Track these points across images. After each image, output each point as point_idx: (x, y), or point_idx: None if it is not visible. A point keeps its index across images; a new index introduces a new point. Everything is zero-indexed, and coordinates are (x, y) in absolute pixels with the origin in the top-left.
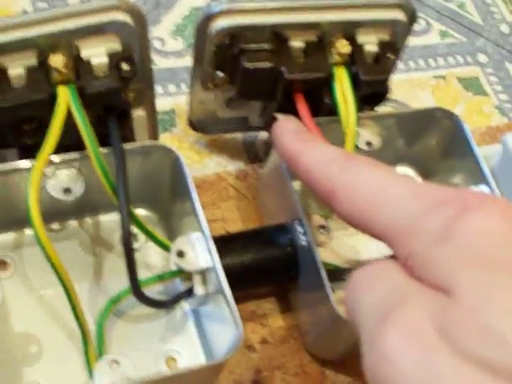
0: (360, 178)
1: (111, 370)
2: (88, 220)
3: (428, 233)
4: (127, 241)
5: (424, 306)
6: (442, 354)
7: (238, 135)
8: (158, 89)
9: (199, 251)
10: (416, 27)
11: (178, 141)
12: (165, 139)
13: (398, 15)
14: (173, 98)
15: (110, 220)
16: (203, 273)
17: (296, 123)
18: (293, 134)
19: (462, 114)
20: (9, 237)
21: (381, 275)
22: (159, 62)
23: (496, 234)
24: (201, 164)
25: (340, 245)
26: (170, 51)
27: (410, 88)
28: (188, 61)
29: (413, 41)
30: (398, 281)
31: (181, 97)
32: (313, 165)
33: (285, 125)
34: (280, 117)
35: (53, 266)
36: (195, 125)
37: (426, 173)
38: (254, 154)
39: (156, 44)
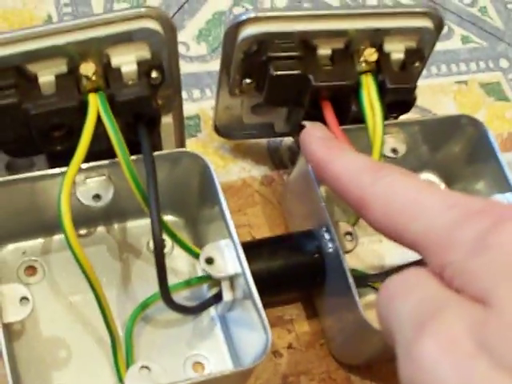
0: (393, 188)
1: (142, 377)
2: (115, 226)
3: (464, 243)
4: (159, 247)
5: (462, 316)
6: (480, 364)
7: (263, 141)
8: (183, 94)
9: (228, 258)
10: None
11: (203, 146)
12: (190, 144)
13: (426, 23)
14: (197, 104)
15: (138, 226)
16: (231, 279)
17: (324, 130)
18: (321, 141)
19: (484, 119)
20: (37, 242)
21: (417, 283)
22: (183, 67)
23: None
24: (225, 169)
25: (365, 251)
26: (194, 56)
27: (432, 93)
28: (212, 66)
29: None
30: (434, 290)
31: (205, 102)
32: (342, 173)
33: (313, 132)
34: (308, 124)
35: (84, 272)
36: (220, 130)
37: (450, 179)
38: (279, 160)
39: (180, 49)
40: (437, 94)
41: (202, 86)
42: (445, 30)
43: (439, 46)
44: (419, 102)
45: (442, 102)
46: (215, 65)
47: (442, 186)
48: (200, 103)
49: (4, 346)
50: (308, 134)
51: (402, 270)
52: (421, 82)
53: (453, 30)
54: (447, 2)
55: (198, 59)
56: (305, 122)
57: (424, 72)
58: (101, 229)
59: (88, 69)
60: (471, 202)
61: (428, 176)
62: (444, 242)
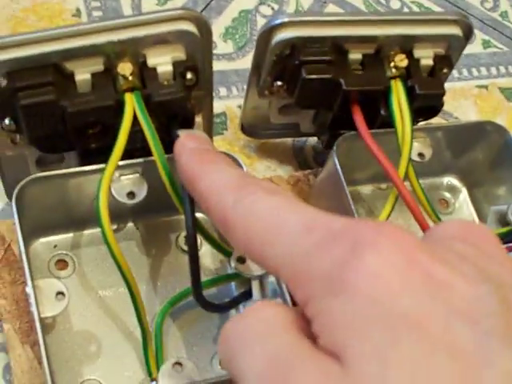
0: (254, 209)
1: (175, 374)
2: (146, 222)
3: (321, 276)
4: (193, 246)
5: (315, 377)
6: None
7: (288, 140)
8: None
9: None
10: None
11: (229, 144)
12: (216, 142)
13: (455, 30)
14: (224, 102)
15: (167, 222)
16: (261, 277)
17: (200, 140)
18: (193, 153)
19: (504, 123)
20: (68, 237)
21: (264, 333)
22: None
23: (391, 277)
24: (251, 168)
25: None
26: (221, 54)
27: (453, 97)
28: (238, 64)
29: None
30: (283, 343)
31: (232, 100)
32: (209, 191)
33: (186, 142)
34: (183, 133)
35: (119, 267)
36: (247, 129)
37: (472, 184)
38: (303, 159)
39: None
40: (458, 98)
41: (228, 84)
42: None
43: None
44: None
45: (463, 105)
46: (242, 63)
47: (464, 190)
48: (226, 101)
49: (42, 341)
50: (180, 144)
51: None
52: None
53: (474, 34)
54: (470, 6)
55: (225, 57)
56: (180, 131)
57: None
58: (130, 224)
59: (125, 68)
60: (332, 221)
61: (450, 180)
62: (303, 272)
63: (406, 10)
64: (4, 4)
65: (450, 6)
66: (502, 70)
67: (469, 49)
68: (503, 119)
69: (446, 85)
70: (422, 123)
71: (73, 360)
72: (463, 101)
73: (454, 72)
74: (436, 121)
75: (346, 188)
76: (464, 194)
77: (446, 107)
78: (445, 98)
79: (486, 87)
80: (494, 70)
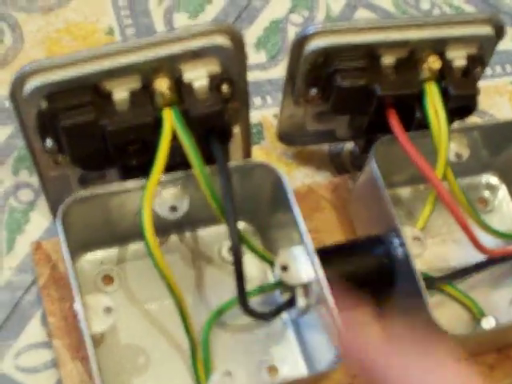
0: None
1: (225, 382)
2: (187, 234)
3: None
4: (238, 256)
5: None
6: None
7: (324, 146)
8: None
9: (302, 265)
10: None
11: (267, 153)
12: (254, 151)
13: (487, 30)
14: (259, 111)
15: (209, 234)
16: (305, 285)
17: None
18: None
19: None
20: (112, 252)
21: None
22: None
23: None
24: (290, 175)
25: (428, 253)
26: (254, 64)
27: (487, 95)
28: (271, 73)
29: None
30: None
31: (267, 109)
32: None
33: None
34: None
35: (165, 280)
36: (283, 138)
37: (511, 180)
38: (341, 165)
39: None
40: (492, 96)
41: (262, 94)
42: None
43: None
44: None
45: (498, 103)
46: (275, 72)
47: (503, 187)
48: (262, 111)
49: (93, 356)
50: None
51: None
52: None
53: (506, 30)
54: (501, 2)
55: (258, 67)
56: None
57: None
58: (174, 237)
59: (162, 84)
60: None
61: (489, 178)
62: None
63: (436, 9)
64: (39, 27)
65: (480, 3)
66: None
67: (501, 45)
68: None
69: (480, 83)
70: (456, 123)
71: (123, 373)
72: (498, 98)
73: (487, 69)
74: (471, 119)
75: (386, 192)
76: (503, 191)
77: (480, 105)
78: (479, 97)
79: None
80: None
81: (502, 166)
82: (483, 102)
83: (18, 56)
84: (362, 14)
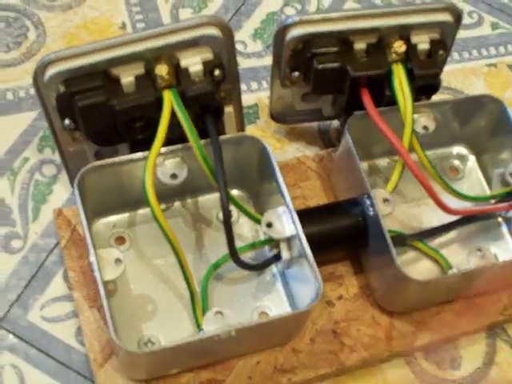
0: None
1: (216, 320)
2: (188, 201)
3: None
4: (227, 216)
5: None
6: None
7: (314, 124)
8: (242, 86)
9: (285, 222)
10: (469, 21)
11: (262, 131)
12: (251, 130)
13: (446, 17)
14: (255, 94)
15: (208, 200)
16: (288, 240)
17: None
18: None
19: None
20: (124, 217)
21: None
22: (242, 63)
23: None
24: (282, 150)
25: (404, 215)
26: (251, 52)
27: (465, 76)
28: (267, 60)
29: (466, 33)
30: None
31: (262, 92)
32: None
33: None
34: None
35: (168, 239)
36: (276, 117)
37: (478, 151)
38: (328, 140)
39: (239, 47)
40: (469, 77)
41: (258, 79)
42: (476, 18)
43: (471, 33)
44: (453, 84)
45: (474, 83)
46: (270, 59)
47: (472, 157)
48: (258, 93)
49: (105, 299)
50: None
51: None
52: (454, 67)
53: (483, 17)
54: None
55: (255, 55)
56: None
57: (457, 57)
58: (177, 204)
59: (162, 70)
60: None
61: (459, 149)
62: None
63: (418, 1)
64: (59, 23)
65: None
66: (510, 48)
67: (478, 31)
68: (511, 93)
69: (458, 65)
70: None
71: (134, 318)
72: (474, 79)
73: (465, 53)
74: (445, 98)
75: (358, 159)
76: (472, 161)
77: (458, 85)
78: (456, 77)
79: (494, 65)
80: (502, 49)
81: (469, 138)
82: (460, 82)
83: (41, 50)
84: (351, 6)
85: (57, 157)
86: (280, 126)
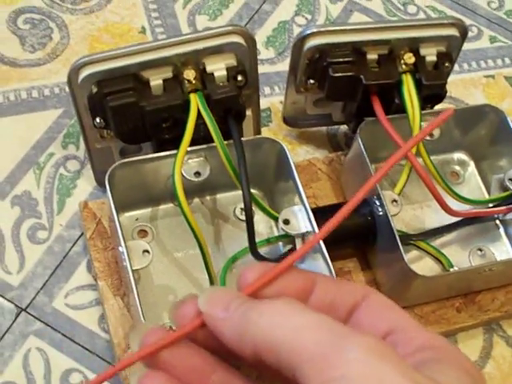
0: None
1: None
2: (207, 197)
3: None
4: (249, 214)
5: None
6: None
7: (323, 128)
8: None
9: (300, 219)
10: (469, 34)
11: (274, 134)
12: (263, 132)
13: (453, 32)
14: (268, 99)
15: (226, 197)
16: (303, 236)
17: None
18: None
19: (509, 107)
20: (147, 211)
21: None
22: None
23: None
24: (293, 152)
25: (409, 216)
26: (264, 59)
27: (464, 86)
28: (279, 67)
29: (466, 46)
30: None
31: (274, 97)
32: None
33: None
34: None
35: (193, 231)
36: (288, 121)
37: (478, 158)
38: (336, 144)
39: None
40: (468, 87)
41: (271, 84)
42: (475, 31)
43: (470, 46)
44: (454, 93)
45: (473, 93)
46: (282, 66)
47: (472, 163)
48: (270, 98)
49: (134, 285)
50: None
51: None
52: (454, 77)
53: (482, 31)
54: (478, 7)
55: (268, 61)
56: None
57: (457, 68)
58: (196, 200)
59: (190, 74)
60: None
61: (460, 155)
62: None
63: (421, 13)
64: (82, 26)
65: (460, 8)
66: (507, 61)
67: (477, 44)
68: (509, 103)
69: (458, 76)
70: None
71: (155, 307)
72: (473, 89)
73: (465, 65)
74: (448, 107)
75: (369, 163)
76: (472, 166)
77: (458, 95)
78: (457, 88)
79: (492, 77)
80: (499, 62)
81: (470, 145)
82: (461, 92)
83: (64, 51)
84: (357, 17)
85: (80, 153)
86: (291, 130)
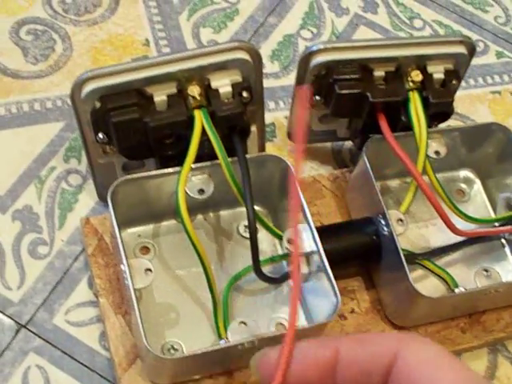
0: None
1: (241, 330)
2: (210, 214)
3: None
4: (253, 233)
5: None
6: None
7: (328, 144)
8: None
9: (305, 239)
10: None
11: (278, 149)
12: (267, 148)
13: (461, 49)
14: (272, 113)
15: (229, 214)
16: (307, 256)
17: None
18: None
19: None
20: (149, 228)
21: None
22: None
23: None
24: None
25: (414, 235)
26: (269, 73)
27: (470, 102)
28: (284, 81)
29: (472, 61)
30: None
31: (279, 112)
32: None
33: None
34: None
35: (196, 249)
36: (292, 136)
37: (484, 176)
38: (341, 160)
39: None
40: (474, 103)
41: (275, 99)
42: (482, 46)
43: (476, 61)
44: (459, 109)
45: (479, 109)
46: (287, 80)
47: (478, 181)
48: (275, 113)
49: (136, 305)
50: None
51: (444, 250)
52: (460, 93)
53: (488, 46)
54: (484, 21)
55: (272, 75)
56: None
57: (463, 84)
58: (199, 217)
59: (194, 90)
60: None
61: (466, 173)
62: None
63: (427, 28)
64: (85, 37)
65: (466, 23)
66: None
67: (483, 60)
68: None
69: (464, 92)
70: (439, 126)
71: (157, 326)
72: (479, 105)
73: (471, 80)
74: (454, 123)
75: (375, 181)
76: (478, 184)
77: (463, 111)
78: (463, 103)
79: (499, 93)
80: (506, 77)
81: (476, 163)
82: (467, 108)
83: (67, 63)
84: (363, 31)
85: (82, 167)
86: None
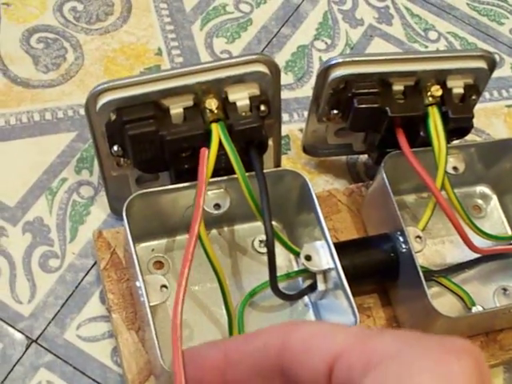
0: None
1: None
2: (225, 229)
3: None
4: (271, 249)
5: None
6: None
7: (342, 158)
8: None
9: (322, 255)
10: None
11: (293, 162)
12: (282, 161)
13: (481, 64)
14: (286, 126)
15: (244, 229)
16: (324, 273)
17: None
18: None
19: None
20: (162, 243)
21: None
22: None
23: None
24: (312, 182)
25: (429, 251)
26: (283, 85)
27: (485, 116)
28: (298, 93)
29: None
30: None
31: (293, 124)
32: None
33: None
34: None
35: (212, 264)
36: (307, 150)
37: (501, 192)
38: (356, 174)
39: None
40: (489, 117)
41: (290, 111)
42: (496, 59)
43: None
44: (474, 123)
45: (494, 123)
46: (301, 92)
47: (494, 197)
48: (289, 125)
49: (151, 322)
50: None
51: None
52: (476, 106)
53: (504, 59)
54: (500, 34)
55: (286, 87)
56: None
57: None
58: (214, 231)
59: (212, 103)
60: None
61: (482, 189)
62: None
63: (442, 40)
64: (97, 46)
65: (482, 35)
66: None
67: (498, 73)
68: None
69: (479, 105)
70: (456, 141)
71: (171, 342)
72: (494, 119)
73: (486, 94)
74: (469, 138)
75: (393, 198)
76: (494, 200)
77: (479, 125)
78: (478, 117)
79: None
80: None
81: (493, 179)
82: (482, 122)
83: (79, 72)
84: (377, 42)
85: (94, 179)
86: (310, 158)
